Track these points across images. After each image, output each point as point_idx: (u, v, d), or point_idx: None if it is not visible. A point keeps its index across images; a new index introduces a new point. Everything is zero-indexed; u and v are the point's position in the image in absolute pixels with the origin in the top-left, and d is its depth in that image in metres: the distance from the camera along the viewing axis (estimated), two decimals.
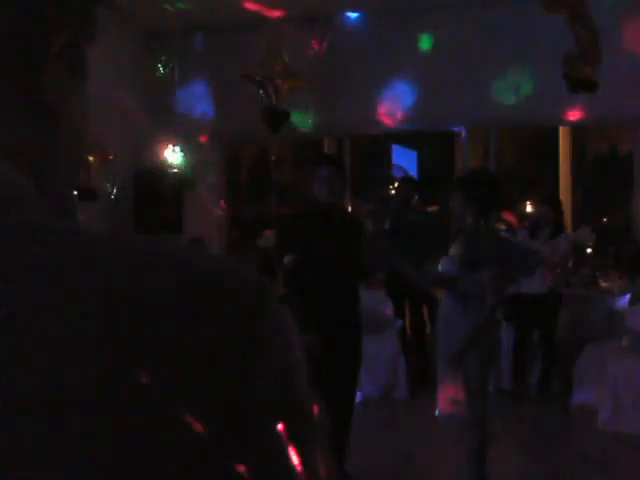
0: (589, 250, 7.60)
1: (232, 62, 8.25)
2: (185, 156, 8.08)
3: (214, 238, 8.72)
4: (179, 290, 0.50)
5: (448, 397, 4.07)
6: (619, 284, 7.04)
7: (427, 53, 8.13)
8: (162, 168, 7.91)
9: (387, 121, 8.51)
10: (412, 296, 7.12)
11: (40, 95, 0.59)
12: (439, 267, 4.07)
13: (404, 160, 10.70)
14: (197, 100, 8.49)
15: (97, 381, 0.46)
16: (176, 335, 0.49)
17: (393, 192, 8.03)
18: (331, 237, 4.34)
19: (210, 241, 8.37)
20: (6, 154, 0.55)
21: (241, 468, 0.49)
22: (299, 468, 0.52)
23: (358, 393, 6.53)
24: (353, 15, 8.38)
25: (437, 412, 4.22)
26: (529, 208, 7.81)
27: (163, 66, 8.26)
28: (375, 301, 7.11)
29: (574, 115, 7.82)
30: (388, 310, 7.13)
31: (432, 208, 10.11)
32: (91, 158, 7.14)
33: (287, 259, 4.31)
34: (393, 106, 8.28)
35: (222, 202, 9.02)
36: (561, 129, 8.67)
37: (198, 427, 0.48)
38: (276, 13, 8.07)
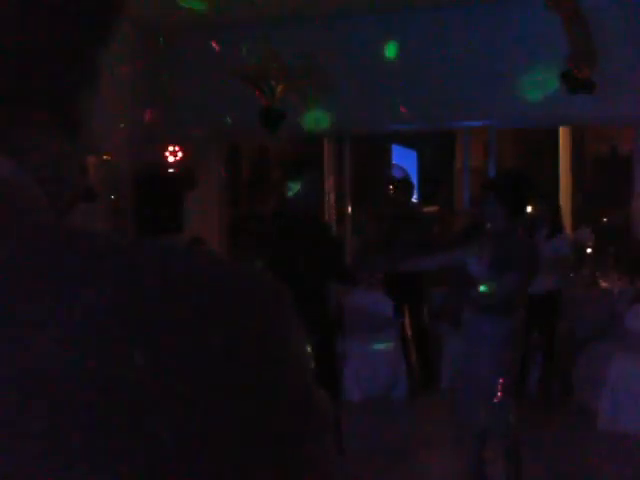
0: (589, 250, 7.60)
1: (232, 61, 8.25)
2: (184, 156, 8.07)
3: (214, 238, 8.72)
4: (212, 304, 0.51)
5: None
6: (619, 284, 7.04)
7: (427, 52, 8.12)
8: (162, 168, 7.90)
9: (387, 121, 8.52)
10: (412, 296, 7.12)
11: (75, 110, 0.61)
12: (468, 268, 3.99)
13: (404, 160, 10.69)
14: (197, 99, 8.49)
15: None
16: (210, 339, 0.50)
17: (393, 192, 8.02)
18: (295, 238, 4.37)
19: (210, 241, 8.36)
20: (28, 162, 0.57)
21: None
22: (319, 463, 0.54)
23: (358, 393, 6.56)
24: (353, 14, 8.37)
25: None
26: (528, 208, 7.79)
27: (161, 65, 8.25)
28: (375, 301, 7.11)
29: (574, 115, 7.81)
30: (388, 310, 7.13)
31: (431, 208, 10.12)
32: (90, 158, 7.13)
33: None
34: (393, 105, 8.27)
35: (222, 202, 9.03)
36: (561, 129, 8.68)
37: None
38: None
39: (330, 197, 8.88)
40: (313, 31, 8.36)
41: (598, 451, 5.56)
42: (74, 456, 0.46)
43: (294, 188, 4.39)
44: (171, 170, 7.76)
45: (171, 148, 7.82)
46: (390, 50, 8.00)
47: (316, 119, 8.35)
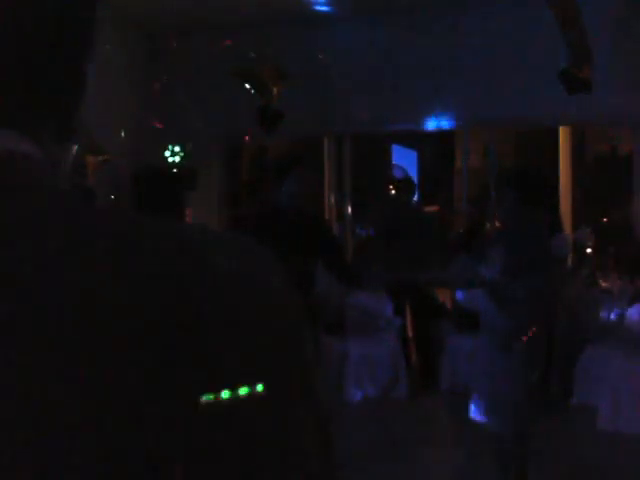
0: (589, 250, 7.60)
1: (231, 61, 8.26)
2: (184, 156, 8.07)
3: None
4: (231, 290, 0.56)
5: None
6: (619, 284, 7.03)
7: (427, 52, 8.12)
8: (161, 168, 7.90)
9: (387, 120, 8.52)
10: (412, 296, 7.12)
11: (71, 117, 0.66)
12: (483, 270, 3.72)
13: (404, 160, 10.69)
14: (196, 99, 8.49)
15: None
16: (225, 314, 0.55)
17: (393, 192, 8.03)
18: (285, 238, 4.27)
19: None
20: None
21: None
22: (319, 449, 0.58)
23: (358, 393, 6.56)
24: (351, 16, 8.38)
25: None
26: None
27: (161, 66, 8.26)
28: (375, 301, 7.11)
29: (573, 115, 7.80)
30: (388, 310, 7.13)
31: (432, 208, 10.11)
32: (89, 158, 7.13)
33: None
34: (393, 105, 8.28)
35: (222, 202, 9.04)
36: (561, 129, 8.67)
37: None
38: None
39: (330, 197, 8.88)
40: (312, 31, 8.37)
41: (597, 450, 5.55)
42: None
43: (284, 186, 4.40)
44: (171, 170, 7.75)
45: (171, 148, 7.82)
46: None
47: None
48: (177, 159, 7.78)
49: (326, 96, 8.35)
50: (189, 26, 8.35)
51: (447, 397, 6.83)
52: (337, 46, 8.33)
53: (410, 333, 7.39)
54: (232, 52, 8.31)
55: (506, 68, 7.80)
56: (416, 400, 6.71)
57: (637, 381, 5.83)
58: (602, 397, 5.97)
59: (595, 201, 10.56)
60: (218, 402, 0.51)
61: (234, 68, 7.86)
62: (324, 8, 8.09)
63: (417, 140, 10.99)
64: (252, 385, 0.53)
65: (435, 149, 11.07)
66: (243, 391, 0.52)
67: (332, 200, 8.91)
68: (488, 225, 7.95)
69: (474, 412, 3.90)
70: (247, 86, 7.90)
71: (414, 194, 7.72)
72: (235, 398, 0.52)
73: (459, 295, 3.91)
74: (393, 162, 10.70)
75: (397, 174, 8.38)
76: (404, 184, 7.77)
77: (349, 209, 8.88)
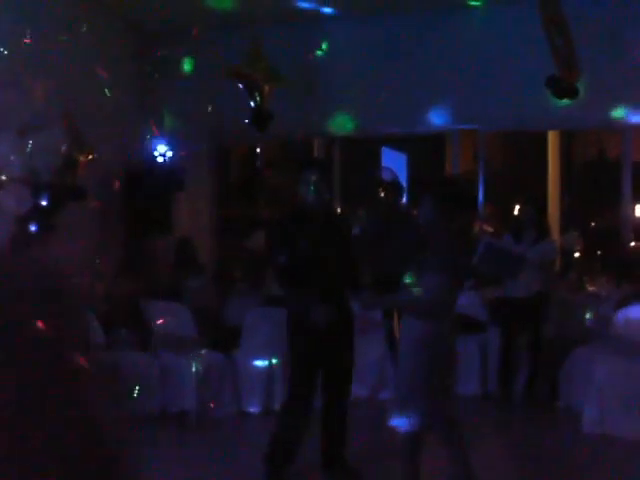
0: (577, 254, 7.64)
1: (222, 61, 8.27)
2: (175, 156, 8.07)
3: (203, 238, 8.72)
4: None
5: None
6: (606, 288, 7.07)
7: (418, 56, 8.15)
8: (152, 168, 7.90)
9: (377, 123, 8.55)
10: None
11: None
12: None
13: (394, 163, 10.70)
14: (187, 100, 8.49)
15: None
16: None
17: (382, 195, 8.03)
18: (317, 239, 4.43)
19: (199, 241, 8.37)
20: None
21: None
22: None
23: None
24: (343, 17, 8.39)
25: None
26: (515, 211, 7.85)
27: (154, 65, 8.25)
28: None
29: (562, 120, 7.85)
30: (376, 312, 7.12)
31: None
32: (80, 157, 7.12)
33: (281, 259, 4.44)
34: (383, 108, 8.30)
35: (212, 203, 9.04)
36: (550, 133, 8.72)
37: None
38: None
39: None
40: (306, 32, 8.39)
41: (583, 453, 5.58)
42: None
43: (310, 188, 4.42)
44: (160, 171, 7.75)
45: (161, 149, 7.81)
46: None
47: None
48: (166, 159, 7.77)
49: (316, 97, 8.37)
50: (181, 28, 8.34)
51: None
52: (328, 47, 8.35)
53: (397, 335, 7.39)
54: (224, 52, 8.33)
55: (496, 73, 7.85)
56: None
57: (623, 384, 5.86)
58: (588, 400, 5.99)
59: (584, 205, 10.61)
60: None
61: (229, 69, 7.87)
62: (313, 7, 8.08)
63: (407, 143, 10.99)
64: None
65: (425, 152, 11.07)
66: None
67: None
68: (478, 228, 7.98)
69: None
70: (240, 86, 7.91)
71: (402, 196, 7.73)
72: None
73: None
74: (382, 164, 10.71)
75: (386, 176, 8.39)
76: (392, 186, 7.77)
77: (338, 210, 8.89)
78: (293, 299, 4.51)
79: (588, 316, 6.78)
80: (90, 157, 7.25)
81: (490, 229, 7.41)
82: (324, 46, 8.09)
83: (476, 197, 4.15)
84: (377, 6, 8.04)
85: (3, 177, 5.91)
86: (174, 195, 8.12)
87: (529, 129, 8.85)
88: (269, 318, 6.41)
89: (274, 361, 6.53)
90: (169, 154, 7.89)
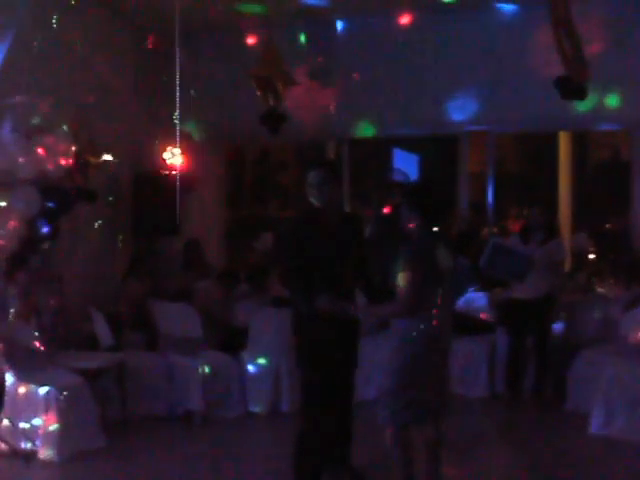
0: (592, 256, 7.61)
1: (233, 63, 8.32)
2: (184, 158, 8.11)
3: (212, 240, 8.76)
4: None
5: None
6: (615, 290, 7.03)
7: (429, 57, 8.14)
8: (161, 170, 7.94)
9: (390, 124, 8.56)
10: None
11: None
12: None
13: (406, 164, 10.70)
14: (198, 101, 8.52)
15: None
16: None
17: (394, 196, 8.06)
18: (326, 240, 4.41)
19: (207, 242, 8.40)
20: None
21: None
22: None
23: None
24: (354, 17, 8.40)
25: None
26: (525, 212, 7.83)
27: (162, 68, 8.29)
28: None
29: (572, 120, 7.82)
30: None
31: None
32: (90, 159, 7.17)
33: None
34: (395, 109, 8.31)
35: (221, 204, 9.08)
36: (561, 134, 8.68)
37: None
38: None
39: None
40: (317, 33, 8.41)
41: (589, 455, 5.56)
42: None
43: (317, 189, 4.40)
44: (169, 172, 7.79)
45: (170, 150, 7.85)
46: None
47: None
48: (175, 161, 7.80)
49: (329, 99, 8.38)
50: (192, 28, 8.38)
51: None
52: (338, 48, 8.37)
53: None
54: (236, 53, 8.37)
55: (507, 74, 7.83)
56: None
57: (630, 387, 5.83)
58: (594, 402, 5.97)
59: (596, 206, 10.54)
60: None
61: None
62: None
63: (420, 144, 10.99)
64: None
65: (437, 153, 11.06)
66: None
67: None
68: (485, 229, 7.98)
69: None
70: (257, 89, 7.93)
71: None
72: None
73: None
74: (395, 166, 10.72)
75: (398, 178, 8.42)
76: (400, 189, 7.80)
77: (349, 211, 8.89)
78: (299, 300, 4.43)
79: (597, 318, 6.75)
80: (101, 159, 7.30)
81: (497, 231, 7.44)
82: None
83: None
84: (389, 6, 8.02)
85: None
86: (184, 196, 8.15)
87: (539, 130, 8.82)
88: (276, 319, 6.42)
89: (280, 362, 6.54)
90: (178, 155, 7.92)
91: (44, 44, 6.41)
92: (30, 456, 5.31)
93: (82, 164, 6.77)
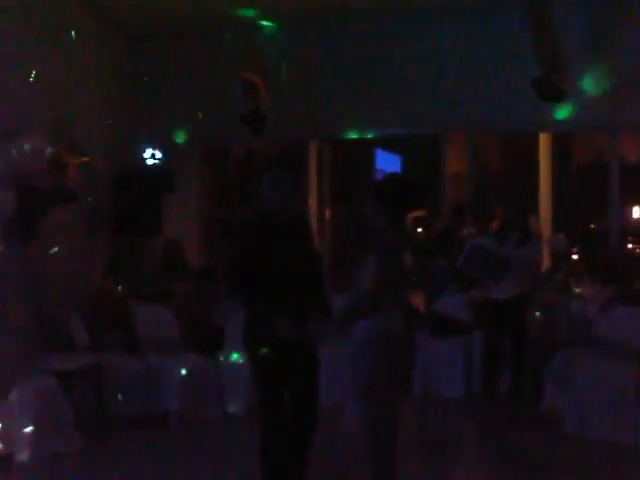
0: (575, 256, 7.62)
1: (215, 65, 8.33)
2: (165, 158, 8.11)
3: (193, 240, 8.74)
4: None
5: None
6: (591, 291, 7.06)
7: (411, 58, 8.17)
8: (141, 170, 7.93)
9: (371, 125, 8.57)
10: None
11: None
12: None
13: (388, 165, 10.73)
14: (180, 102, 8.53)
15: None
16: None
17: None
18: (275, 244, 4.11)
19: (188, 242, 8.39)
20: None
21: None
22: None
23: (327, 399, 6.53)
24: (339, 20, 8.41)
25: None
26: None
27: (143, 68, 8.30)
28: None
29: (554, 122, 7.85)
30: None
31: (419, 212, 10.08)
32: (70, 159, 7.14)
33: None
34: (377, 109, 8.32)
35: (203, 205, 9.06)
36: (541, 135, 8.69)
37: None
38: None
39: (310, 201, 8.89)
40: (301, 34, 8.41)
41: (565, 454, 5.59)
42: None
43: (263, 189, 4.19)
44: (149, 173, 7.78)
45: (150, 151, 7.85)
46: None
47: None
48: (156, 161, 7.80)
49: (311, 99, 8.39)
50: (173, 30, 8.39)
51: (420, 400, 6.90)
52: (323, 48, 8.38)
53: None
54: (217, 54, 8.37)
55: (489, 74, 7.85)
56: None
57: (605, 386, 5.87)
58: (570, 401, 6.01)
59: (576, 208, 10.57)
60: None
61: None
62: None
63: (402, 144, 11.00)
64: None
65: (419, 154, 11.08)
66: None
67: (314, 204, 8.92)
68: (465, 230, 7.99)
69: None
70: (240, 89, 7.93)
71: None
72: None
73: None
74: (377, 167, 10.74)
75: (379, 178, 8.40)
76: None
77: (327, 213, 8.91)
78: (250, 310, 4.11)
79: (573, 318, 6.78)
80: (81, 160, 7.28)
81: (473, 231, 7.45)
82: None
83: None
84: (374, 8, 8.03)
85: None
86: (164, 197, 8.15)
87: (518, 131, 8.84)
88: None
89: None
90: (159, 155, 7.92)
91: (25, 40, 6.40)
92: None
93: (62, 164, 6.75)
